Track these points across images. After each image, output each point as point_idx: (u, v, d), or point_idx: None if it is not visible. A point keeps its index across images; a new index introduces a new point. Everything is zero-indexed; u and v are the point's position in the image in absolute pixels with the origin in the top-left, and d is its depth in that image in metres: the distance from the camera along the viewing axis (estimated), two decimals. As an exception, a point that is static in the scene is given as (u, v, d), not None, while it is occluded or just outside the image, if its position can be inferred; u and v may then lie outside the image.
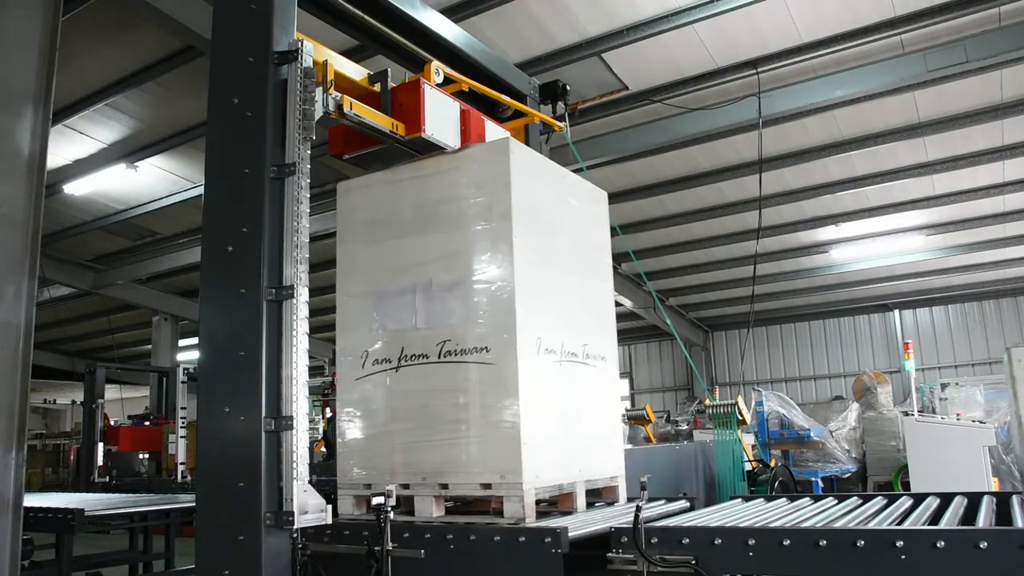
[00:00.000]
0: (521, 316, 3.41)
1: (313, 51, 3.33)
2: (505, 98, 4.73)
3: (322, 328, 4.40)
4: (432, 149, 3.85)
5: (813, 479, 11.64)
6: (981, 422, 9.82)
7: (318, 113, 3.27)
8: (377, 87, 3.87)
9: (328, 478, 4.62)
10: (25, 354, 3.66)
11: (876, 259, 15.72)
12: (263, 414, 2.93)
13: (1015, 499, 3.60)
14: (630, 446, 10.43)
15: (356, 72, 3.83)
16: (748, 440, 10.84)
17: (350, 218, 3.98)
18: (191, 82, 8.48)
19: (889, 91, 8.82)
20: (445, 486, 3.47)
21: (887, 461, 12.08)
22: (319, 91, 3.28)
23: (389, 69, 3.90)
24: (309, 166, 3.22)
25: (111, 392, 17.44)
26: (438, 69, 4.00)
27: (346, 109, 3.44)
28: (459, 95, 4.19)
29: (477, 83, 4.43)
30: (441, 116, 3.86)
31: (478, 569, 3.06)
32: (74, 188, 11.29)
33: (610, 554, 2.92)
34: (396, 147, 3.85)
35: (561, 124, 4.90)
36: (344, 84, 3.66)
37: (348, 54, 7.69)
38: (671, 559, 2.81)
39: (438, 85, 3.97)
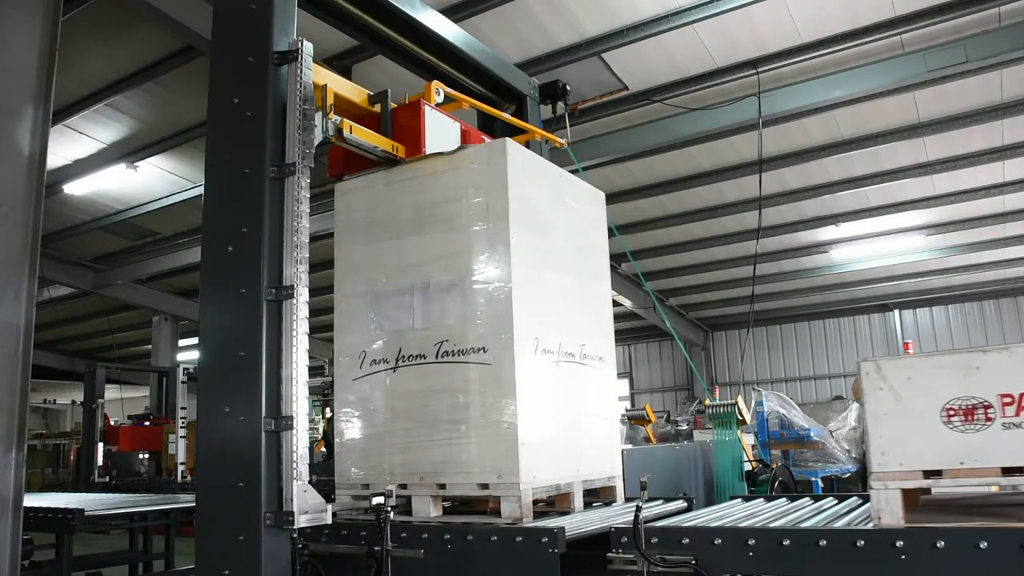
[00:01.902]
0: (518, 316, 3.41)
1: (312, 51, 3.33)
2: (507, 116, 4.73)
3: (322, 328, 4.39)
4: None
5: (813, 479, 11.61)
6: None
7: (317, 138, 3.26)
8: (377, 107, 3.87)
9: (328, 478, 4.63)
10: (25, 354, 3.66)
11: (876, 259, 15.70)
12: (263, 414, 2.93)
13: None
14: (630, 446, 10.43)
15: (355, 93, 3.82)
16: (748, 440, 10.84)
17: (348, 218, 3.99)
18: (191, 82, 8.47)
19: (889, 91, 8.81)
20: (443, 486, 3.47)
21: (887, 461, 12.05)
22: (319, 116, 3.28)
23: (389, 90, 3.89)
24: (311, 165, 3.23)
25: (111, 392, 17.42)
26: (438, 89, 3.99)
27: (346, 133, 3.44)
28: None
29: (477, 101, 4.43)
30: (442, 137, 3.87)
31: (475, 569, 3.07)
32: (74, 188, 11.28)
33: (610, 554, 2.92)
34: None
35: (562, 141, 4.86)
36: (343, 105, 3.65)
37: (348, 54, 7.85)
38: (671, 559, 2.82)
39: (438, 105, 3.96)
